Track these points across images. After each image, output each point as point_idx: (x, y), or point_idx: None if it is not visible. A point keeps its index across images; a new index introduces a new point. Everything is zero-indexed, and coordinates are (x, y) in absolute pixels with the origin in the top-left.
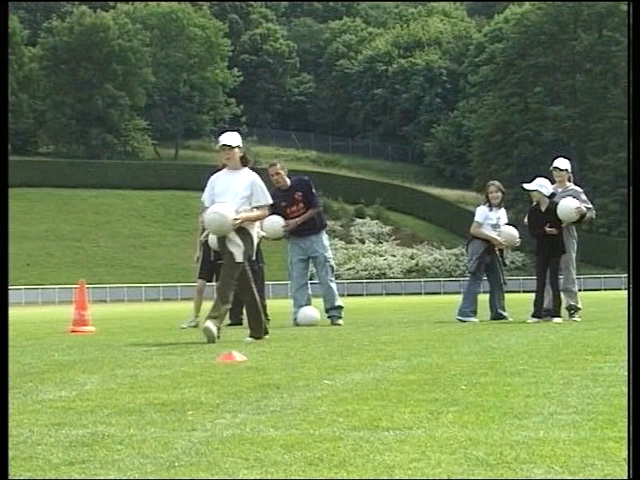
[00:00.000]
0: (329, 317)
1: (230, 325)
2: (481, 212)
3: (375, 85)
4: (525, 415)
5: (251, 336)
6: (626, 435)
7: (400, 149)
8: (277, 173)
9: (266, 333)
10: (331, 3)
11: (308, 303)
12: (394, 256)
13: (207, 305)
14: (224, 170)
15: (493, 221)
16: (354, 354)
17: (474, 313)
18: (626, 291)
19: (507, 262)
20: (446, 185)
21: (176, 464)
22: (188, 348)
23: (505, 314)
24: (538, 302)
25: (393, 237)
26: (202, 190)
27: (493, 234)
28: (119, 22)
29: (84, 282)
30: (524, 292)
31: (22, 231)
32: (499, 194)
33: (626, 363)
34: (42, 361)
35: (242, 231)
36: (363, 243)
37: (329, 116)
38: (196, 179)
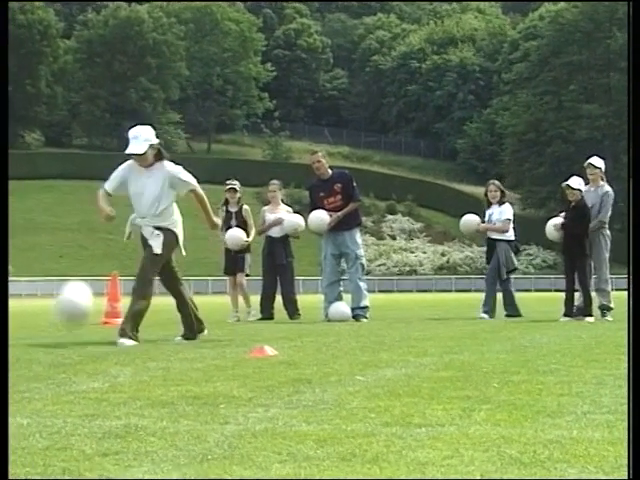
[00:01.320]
0: (354, 316)
1: (262, 319)
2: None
3: (408, 81)
4: (558, 414)
5: (182, 335)
6: (631, 436)
7: (433, 146)
8: (318, 161)
9: (201, 332)
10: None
11: (339, 299)
12: (425, 253)
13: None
14: (138, 168)
15: (486, 217)
16: (386, 350)
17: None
18: None
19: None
20: (478, 182)
21: (209, 457)
22: (220, 342)
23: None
24: (568, 301)
25: (424, 234)
26: None
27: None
28: (154, 16)
29: (117, 274)
30: (555, 291)
31: (55, 223)
32: (497, 193)
33: None
34: (75, 352)
35: (164, 230)
36: (394, 239)
37: (362, 112)
38: (228, 173)
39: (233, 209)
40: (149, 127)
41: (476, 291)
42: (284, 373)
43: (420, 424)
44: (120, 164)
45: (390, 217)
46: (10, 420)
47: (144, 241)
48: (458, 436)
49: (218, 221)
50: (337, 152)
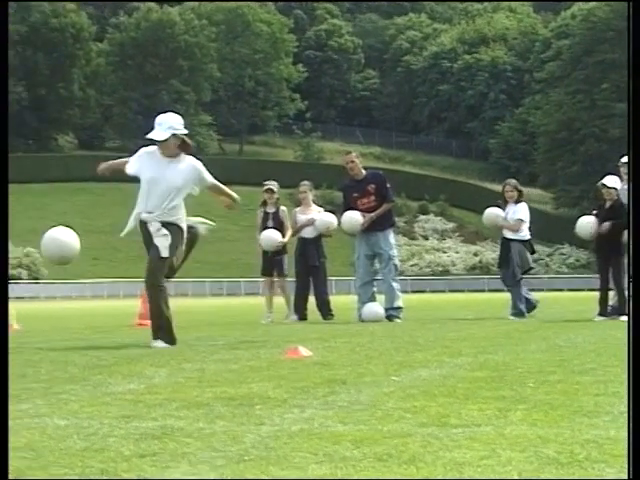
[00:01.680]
0: (387, 316)
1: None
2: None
3: (440, 81)
4: (595, 414)
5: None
6: (631, 436)
7: (464, 145)
8: (352, 161)
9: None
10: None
11: (372, 299)
12: (457, 253)
13: (278, 300)
14: (160, 156)
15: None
16: (420, 350)
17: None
18: None
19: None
20: None
21: (245, 458)
22: (254, 343)
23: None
24: (603, 300)
25: (457, 234)
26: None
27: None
28: (185, 18)
29: None
30: (589, 290)
31: (88, 225)
32: (514, 192)
33: None
34: (110, 354)
35: (171, 226)
36: (426, 239)
37: (393, 112)
38: (261, 174)
39: (270, 210)
40: (178, 116)
41: (509, 291)
42: (319, 374)
43: (456, 424)
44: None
45: (422, 217)
46: (47, 421)
47: (148, 238)
48: (495, 436)
49: (237, 196)
50: (369, 153)
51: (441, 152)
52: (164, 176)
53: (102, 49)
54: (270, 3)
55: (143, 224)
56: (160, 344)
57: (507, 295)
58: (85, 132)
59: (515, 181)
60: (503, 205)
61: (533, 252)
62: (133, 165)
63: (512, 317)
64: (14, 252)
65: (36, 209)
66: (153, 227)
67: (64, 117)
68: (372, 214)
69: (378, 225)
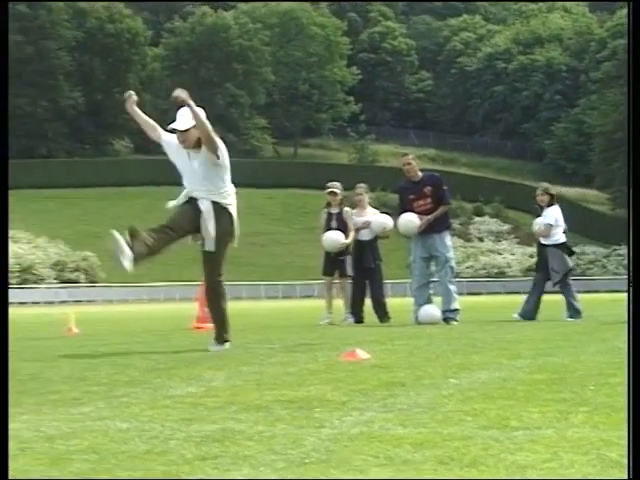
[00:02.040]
0: (444, 318)
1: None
2: None
3: (495, 82)
4: None
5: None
6: (631, 436)
7: (520, 147)
8: (409, 163)
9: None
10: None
11: (428, 302)
12: (513, 254)
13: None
14: (181, 147)
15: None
16: (478, 353)
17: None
18: None
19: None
20: (567, 183)
21: (306, 461)
22: (311, 345)
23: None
24: None
25: (512, 235)
26: (322, 189)
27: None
28: (239, 22)
29: None
30: None
31: (145, 229)
32: (544, 197)
33: None
34: (169, 357)
35: (220, 211)
36: (482, 241)
37: (448, 114)
38: (315, 177)
39: (334, 211)
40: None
41: (561, 293)
42: (377, 376)
43: (517, 427)
44: None
45: (477, 219)
46: (109, 424)
47: (194, 211)
48: (556, 439)
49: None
50: (423, 154)
51: (496, 153)
52: (192, 167)
53: (157, 54)
54: (324, 5)
55: (193, 200)
56: (225, 346)
57: (560, 297)
58: (141, 137)
59: (547, 184)
60: (539, 210)
61: (572, 254)
62: (163, 138)
63: (569, 319)
64: (72, 256)
65: (93, 213)
66: (204, 206)
67: (120, 122)
68: (429, 216)
69: (435, 227)
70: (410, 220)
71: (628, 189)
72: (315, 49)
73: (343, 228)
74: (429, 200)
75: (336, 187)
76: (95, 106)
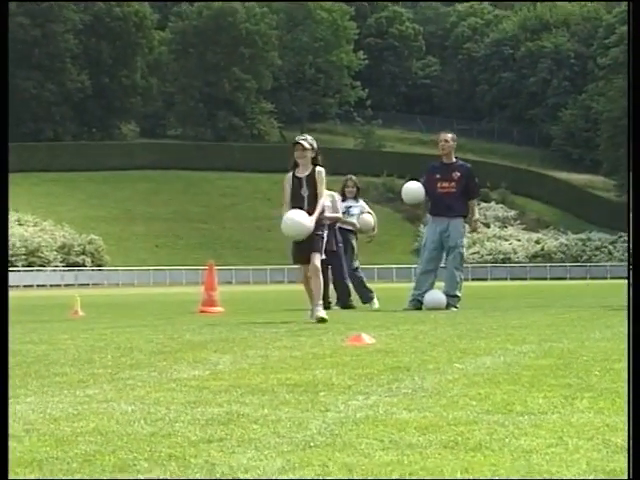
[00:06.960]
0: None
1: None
2: None
3: (502, 68)
4: None
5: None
6: (632, 435)
7: (526, 133)
8: (446, 140)
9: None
10: None
11: (430, 288)
12: (519, 240)
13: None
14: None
15: None
16: (483, 338)
17: None
18: None
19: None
20: (573, 169)
21: (312, 444)
22: (316, 330)
23: None
24: None
25: (518, 221)
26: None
27: None
28: (247, 6)
29: (213, 263)
30: None
31: (150, 212)
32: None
33: None
34: (174, 340)
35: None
36: (488, 227)
37: (454, 99)
38: (322, 162)
39: (303, 174)
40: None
41: (571, 279)
42: (382, 361)
43: (522, 412)
44: (214, 154)
45: (484, 205)
46: (114, 406)
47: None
48: (561, 424)
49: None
50: (429, 140)
51: (503, 139)
52: None
53: (164, 37)
54: None
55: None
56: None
57: (570, 283)
58: (147, 120)
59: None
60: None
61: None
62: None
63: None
64: (78, 239)
65: (99, 197)
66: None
67: (127, 105)
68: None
69: (449, 212)
70: (420, 188)
71: (628, 186)
72: (322, 34)
73: (314, 198)
74: (454, 184)
75: (306, 140)
76: (102, 89)
